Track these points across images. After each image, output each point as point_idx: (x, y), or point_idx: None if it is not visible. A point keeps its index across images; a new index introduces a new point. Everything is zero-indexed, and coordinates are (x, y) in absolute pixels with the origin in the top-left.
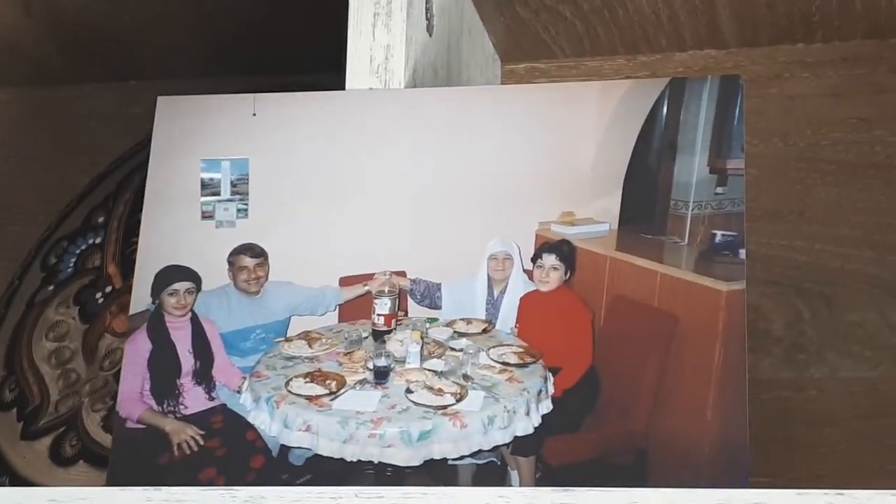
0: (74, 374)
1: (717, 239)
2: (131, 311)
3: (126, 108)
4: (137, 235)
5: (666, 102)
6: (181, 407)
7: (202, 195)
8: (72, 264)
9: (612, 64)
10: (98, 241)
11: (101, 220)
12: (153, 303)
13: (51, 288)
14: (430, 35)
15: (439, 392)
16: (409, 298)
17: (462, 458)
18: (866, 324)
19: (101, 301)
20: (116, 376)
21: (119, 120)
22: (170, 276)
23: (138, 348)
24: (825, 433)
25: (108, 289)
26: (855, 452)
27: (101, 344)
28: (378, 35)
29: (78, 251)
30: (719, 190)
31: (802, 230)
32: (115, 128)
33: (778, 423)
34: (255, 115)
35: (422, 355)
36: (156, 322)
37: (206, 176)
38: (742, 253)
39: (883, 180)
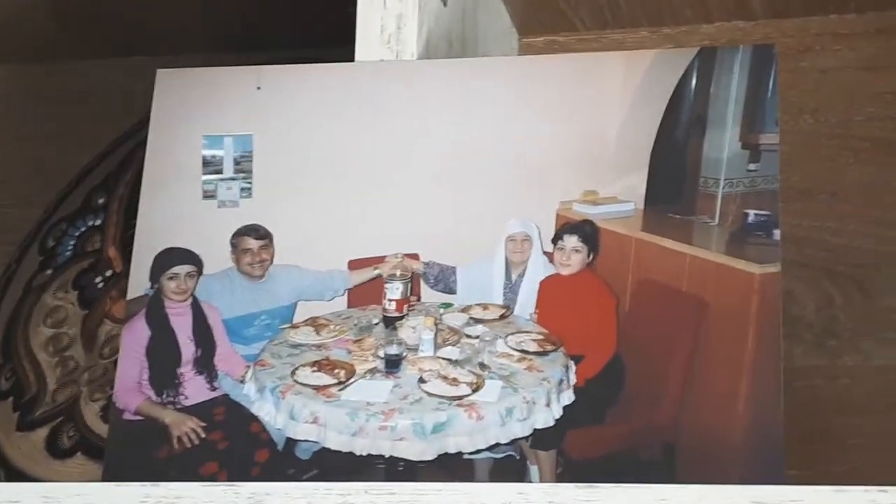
0: (73, 362)
1: (750, 218)
2: (129, 296)
3: (128, 84)
4: None
5: (695, 74)
6: (181, 397)
7: (204, 173)
8: (71, 247)
9: (634, 37)
10: (98, 223)
11: (101, 201)
12: (152, 287)
13: (49, 272)
14: (445, 4)
15: (454, 382)
16: (422, 282)
17: (478, 451)
18: None
19: (100, 286)
20: (116, 364)
21: (121, 97)
22: (170, 258)
23: (136, 335)
24: (859, 423)
25: (109, 273)
26: (891, 443)
27: (100, 330)
28: (389, 3)
29: (77, 233)
30: (752, 167)
31: (835, 210)
32: (117, 105)
33: (810, 412)
34: (259, 88)
35: (436, 343)
36: (155, 307)
37: (207, 153)
38: (777, 234)
39: None
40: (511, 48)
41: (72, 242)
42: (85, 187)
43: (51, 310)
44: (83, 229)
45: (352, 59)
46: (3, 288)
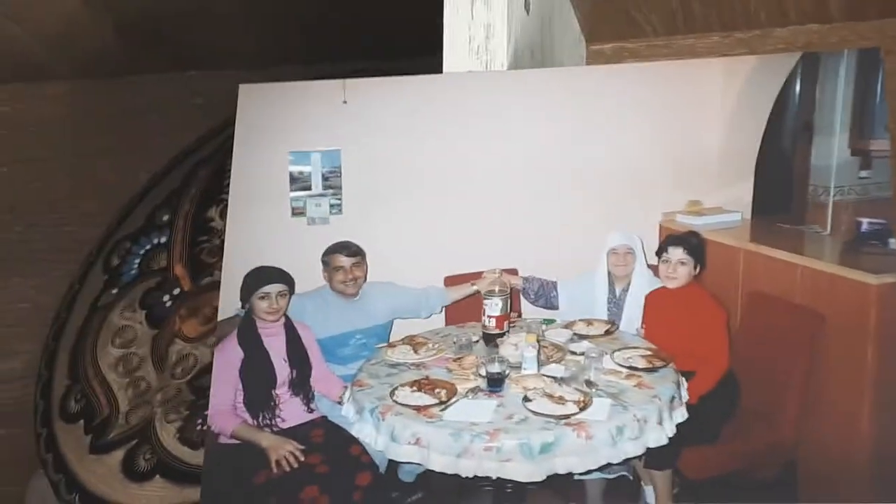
0: (144, 383)
1: (864, 227)
2: (220, 317)
3: (187, 99)
4: (206, 234)
5: (798, 80)
6: (278, 420)
7: (292, 190)
8: (136, 266)
9: (705, 42)
10: (163, 240)
11: (165, 218)
12: (243, 307)
13: (114, 291)
14: (528, 13)
15: (560, 400)
16: (521, 298)
17: (589, 472)
18: None
19: (168, 304)
20: (190, 384)
21: (180, 112)
22: (260, 278)
23: (229, 357)
24: None
25: (176, 291)
26: None
27: (171, 350)
28: (477, 13)
29: (142, 252)
30: (863, 174)
31: None
32: (176, 120)
33: None
34: (345, 102)
35: (539, 360)
36: (247, 328)
37: (295, 169)
38: (893, 242)
39: None
40: (580, 56)
41: (136, 261)
42: (147, 205)
43: (119, 329)
44: (148, 247)
45: (439, 70)
46: (67, 307)
